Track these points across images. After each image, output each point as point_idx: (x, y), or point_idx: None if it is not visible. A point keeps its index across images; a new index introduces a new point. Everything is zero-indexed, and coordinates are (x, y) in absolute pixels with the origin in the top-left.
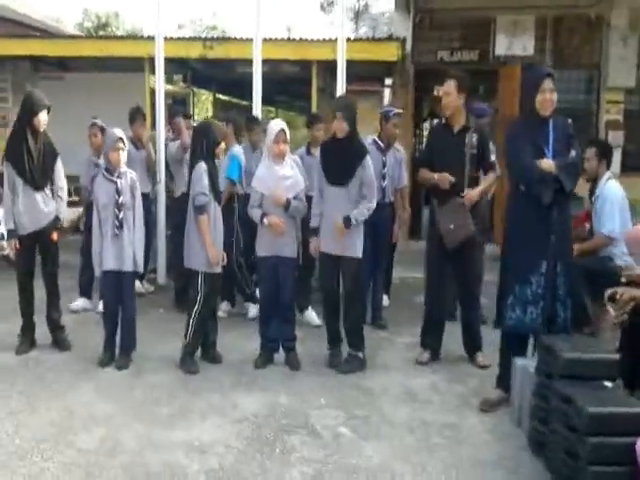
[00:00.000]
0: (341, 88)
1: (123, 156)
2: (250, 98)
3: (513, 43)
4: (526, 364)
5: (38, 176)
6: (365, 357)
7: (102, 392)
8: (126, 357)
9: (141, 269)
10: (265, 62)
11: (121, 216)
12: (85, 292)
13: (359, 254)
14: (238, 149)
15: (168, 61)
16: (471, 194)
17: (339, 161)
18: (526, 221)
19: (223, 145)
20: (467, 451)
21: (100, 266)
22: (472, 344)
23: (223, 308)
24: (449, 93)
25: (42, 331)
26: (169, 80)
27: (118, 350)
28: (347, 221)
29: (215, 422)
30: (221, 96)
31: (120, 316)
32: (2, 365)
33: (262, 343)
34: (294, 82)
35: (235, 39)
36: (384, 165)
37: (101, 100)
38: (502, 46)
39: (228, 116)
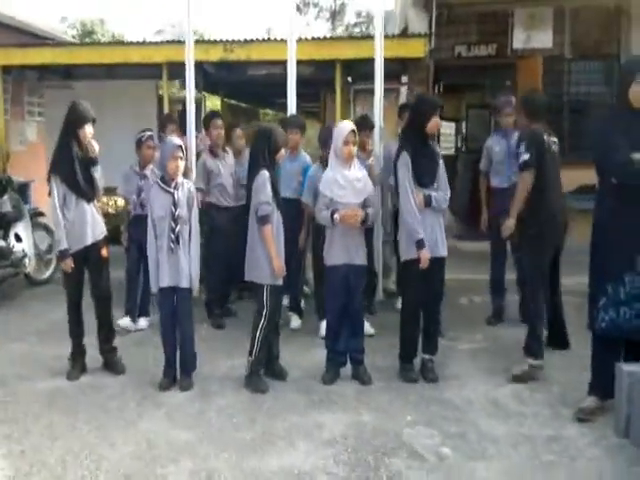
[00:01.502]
0: (380, 87)
1: (182, 166)
2: (258, 101)
3: (531, 36)
4: (635, 370)
5: (87, 188)
6: None
7: (175, 418)
8: (188, 378)
9: (196, 287)
10: (277, 63)
11: (177, 230)
12: (130, 311)
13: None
14: None
15: (178, 66)
16: None
17: (429, 162)
18: (618, 217)
19: (283, 152)
20: (583, 468)
21: (157, 283)
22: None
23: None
24: None
25: (91, 353)
26: (182, 85)
27: (179, 371)
28: (428, 199)
29: (305, 446)
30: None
31: (178, 336)
32: (58, 392)
33: (329, 357)
34: (305, 83)
35: (256, 41)
36: None
37: (111, 108)
38: (520, 39)
39: (297, 120)
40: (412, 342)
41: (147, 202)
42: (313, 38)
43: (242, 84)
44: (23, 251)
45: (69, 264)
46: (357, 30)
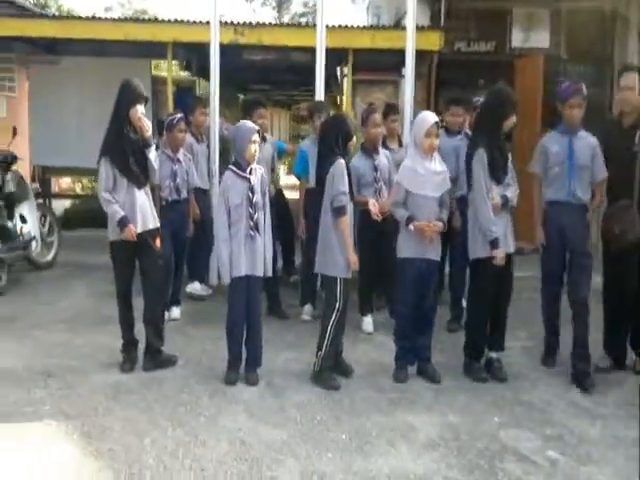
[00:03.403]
0: (411, 76)
1: (257, 150)
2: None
3: (529, 35)
4: None
5: (139, 173)
6: None
7: (257, 415)
8: (255, 372)
9: (270, 274)
10: (276, 50)
11: (256, 217)
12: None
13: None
14: (305, 142)
15: (179, 47)
16: None
17: (501, 158)
18: None
19: (355, 140)
20: None
21: (230, 273)
22: None
23: (306, 311)
24: (632, 88)
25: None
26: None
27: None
28: (504, 200)
29: (406, 448)
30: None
31: (246, 327)
32: (120, 385)
33: (400, 354)
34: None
35: (267, 24)
36: None
37: (99, 86)
38: (518, 38)
39: (325, 106)
40: (481, 340)
41: (183, 187)
42: (327, 26)
43: (234, 69)
44: (29, 233)
45: (131, 230)
46: (303, 20)
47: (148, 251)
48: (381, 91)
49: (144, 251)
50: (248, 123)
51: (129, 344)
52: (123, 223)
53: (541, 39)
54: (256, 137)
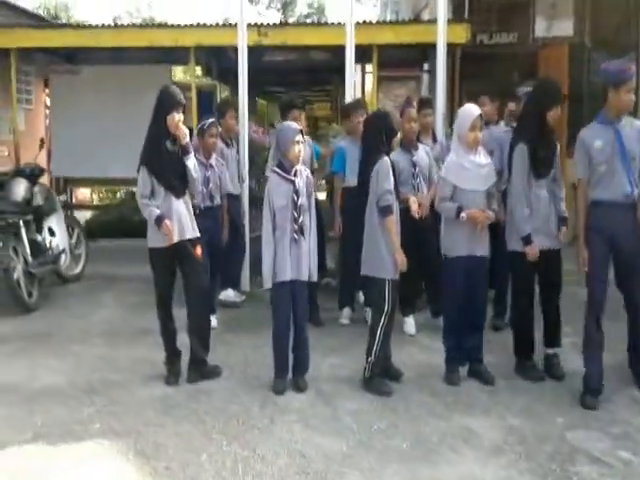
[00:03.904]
0: (442, 70)
1: (301, 151)
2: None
3: (553, 25)
4: None
5: (177, 181)
6: None
7: (311, 425)
8: (303, 379)
9: (315, 279)
10: (296, 50)
11: (300, 220)
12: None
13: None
14: (340, 140)
15: (200, 51)
16: None
17: (547, 153)
18: None
19: (398, 136)
20: None
21: (274, 278)
22: None
23: (345, 315)
24: None
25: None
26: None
27: (291, 371)
28: (564, 220)
29: (472, 454)
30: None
31: (292, 333)
32: (167, 399)
33: (450, 356)
34: (313, 70)
35: (291, 24)
36: None
37: (120, 95)
38: (541, 28)
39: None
40: (529, 336)
41: (216, 192)
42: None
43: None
44: (58, 246)
45: (168, 225)
46: (308, 21)
47: (189, 259)
48: (403, 87)
49: (185, 259)
50: (291, 124)
51: (172, 355)
52: (160, 220)
53: (565, 28)
54: (300, 137)
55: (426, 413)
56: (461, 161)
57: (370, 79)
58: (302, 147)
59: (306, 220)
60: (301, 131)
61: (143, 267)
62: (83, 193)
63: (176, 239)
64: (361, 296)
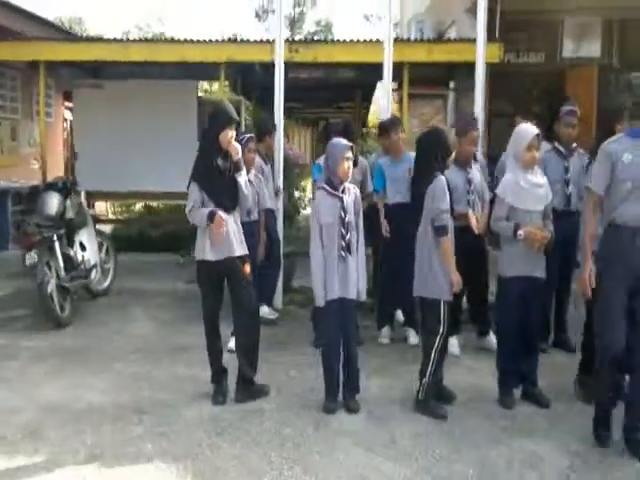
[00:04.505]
0: (481, 89)
1: (350, 168)
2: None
3: (580, 45)
4: None
5: (227, 197)
6: None
7: (370, 449)
8: (354, 399)
9: (363, 298)
10: (321, 67)
11: (348, 237)
12: None
13: None
14: (377, 157)
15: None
16: None
17: None
18: None
19: (453, 155)
20: None
21: (324, 296)
22: None
23: (384, 334)
24: None
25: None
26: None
27: (341, 391)
28: None
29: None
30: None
31: (342, 352)
32: (218, 420)
33: (504, 379)
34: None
35: (322, 42)
36: (566, 170)
37: (145, 110)
38: (569, 48)
39: (399, 121)
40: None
41: (254, 208)
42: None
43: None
44: (89, 261)
45: (221, 218)
46: (316, 38)
47: (237, 276)
48: (429, 105)
49: (233, 276)
50: (341, 140)
51: (219, 374)
52: (212, 213)
53: (593, 49)
54: (349, 154)
55: (485, 437)
56: (518, 180)
57: (390, 96)
58: (351, 164)
59: (353, 238)
60: (351, 148)
61: (169, 282)
62: (99, 206)
63: (226, 255)
64: (399, 315)
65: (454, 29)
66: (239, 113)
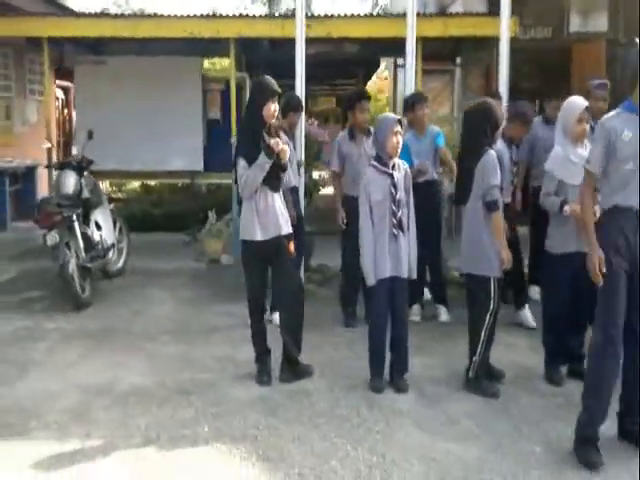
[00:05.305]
0: (505, 64)
1: (400, 142)
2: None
3: (587, 20)
4: None
5: (272, 173)
6: None
7: (428, 429)
8: (402, 378)
9: (414, 276)
10: (329, 42)
11: (399, 214)
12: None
13: None
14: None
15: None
16: None
17: None
18: None
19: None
20: None
21: (375, 275)
22: None
23: (415, 312)
24: None
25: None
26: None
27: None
28: None
29: (614, 460)
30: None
31: (391, 331)
32: (267, 400)
33: (550, 355)
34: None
35: (336, 17)
36: None
37: (148, 86)
38: (576, 23)
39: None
40: None
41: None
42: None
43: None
44: (106, 240)
45: (276, 142)
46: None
47: (283, 256)
48: (436, 80)
49: (280, 255)
50: (389, 114)
51: (263, 354)
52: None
53: (599, 23)
54: (399, 128)
55: (542, 415)
56: (568, 155)
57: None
58: (400, 139)
59: (404, 215)
60: (399, 120)
61: (178, 261)
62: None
63: (274, 234)
64: (427, 293)
65: (459, 3)
66: (243, 90)
